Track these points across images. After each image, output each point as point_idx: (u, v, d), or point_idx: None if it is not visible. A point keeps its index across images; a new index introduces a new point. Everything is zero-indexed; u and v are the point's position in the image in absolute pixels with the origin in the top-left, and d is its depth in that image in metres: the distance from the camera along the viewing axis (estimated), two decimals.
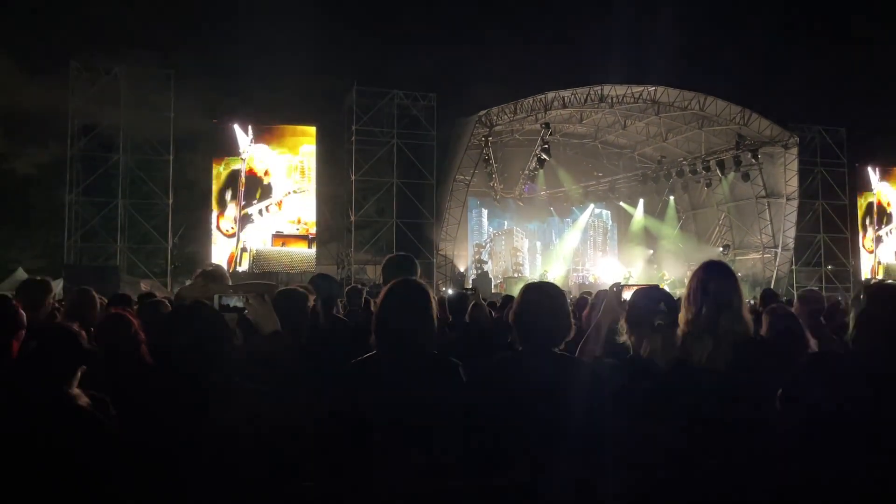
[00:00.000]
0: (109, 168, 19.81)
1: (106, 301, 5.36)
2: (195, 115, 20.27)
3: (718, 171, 23.94)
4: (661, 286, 3.40)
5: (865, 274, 25.82)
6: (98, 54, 19.83)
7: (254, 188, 20.71)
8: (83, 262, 19.59)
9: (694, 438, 2.41)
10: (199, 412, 2.57)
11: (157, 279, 20.06)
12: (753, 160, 23.19)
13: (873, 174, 26.75)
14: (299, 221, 20.95)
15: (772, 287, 19.48)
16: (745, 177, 23.94)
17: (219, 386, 2.68)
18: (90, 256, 20.58)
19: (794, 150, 23.71)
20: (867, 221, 26.44)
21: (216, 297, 2.94)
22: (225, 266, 18.59)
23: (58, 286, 16.12)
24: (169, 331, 2.85)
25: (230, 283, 3.74)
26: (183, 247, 22.32)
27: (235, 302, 2.93)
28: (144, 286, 16.60)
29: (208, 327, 2.76)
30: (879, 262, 26.47)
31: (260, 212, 20.68)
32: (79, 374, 2.57)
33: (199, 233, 21.79)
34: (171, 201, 20.10)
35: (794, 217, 24.35)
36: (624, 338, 2.93)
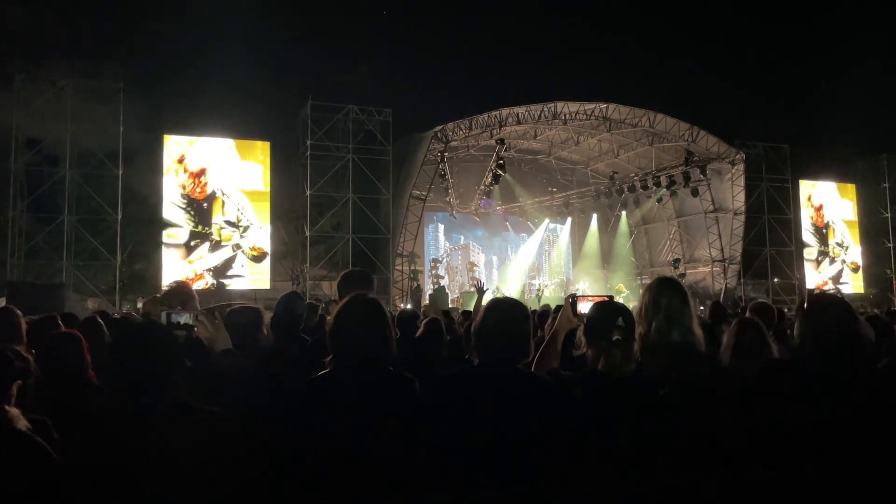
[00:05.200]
0: (55, 183, 19.25)
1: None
2: (144, 130, 19.87)
3: (668, 187, 24.46)
4: (616, 299, 3.43)
5: (811, 285, 26.55)
6: (45, 67, 19.31)
7: (207, 205, 20.37)
8: (27, 279, 18.92)
9: (648, 450, 2.43)
10: (148, 435, 2.49)
11: (105, 297, 19.50)
12: (702, 176, 23.79)
13: (815, 189, 27.66)
14: (253, 248, 20.70)
15: (720, 300, 19.93)
16: (695, 192, 24.52)
17: (169, 407, 2.60)
18: (35, 274, 19.90)
19: (741, 167, 24.38)
20: (811, 235, 27.28)
21: (163, 313, 2.86)
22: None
23: None
24: (119, 350, 2.76)
25: (197, 303, 3.64)
26: (132, 264, 21.77)
27: (185, 319, 2.86)
28: (91, 304, 16.13)
29: (159, 346, 2.67)
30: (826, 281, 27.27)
31: (218, 229, 20.34)
32: (13, 392, 2.46)
33: (148, 249, 21.29)
34: (119, 217, 19.60)
35: (741, 231, 25.00)
36: (582, 351, 2.95)
